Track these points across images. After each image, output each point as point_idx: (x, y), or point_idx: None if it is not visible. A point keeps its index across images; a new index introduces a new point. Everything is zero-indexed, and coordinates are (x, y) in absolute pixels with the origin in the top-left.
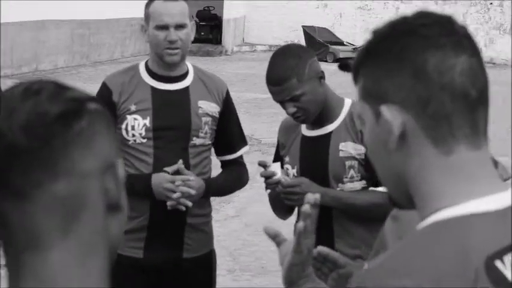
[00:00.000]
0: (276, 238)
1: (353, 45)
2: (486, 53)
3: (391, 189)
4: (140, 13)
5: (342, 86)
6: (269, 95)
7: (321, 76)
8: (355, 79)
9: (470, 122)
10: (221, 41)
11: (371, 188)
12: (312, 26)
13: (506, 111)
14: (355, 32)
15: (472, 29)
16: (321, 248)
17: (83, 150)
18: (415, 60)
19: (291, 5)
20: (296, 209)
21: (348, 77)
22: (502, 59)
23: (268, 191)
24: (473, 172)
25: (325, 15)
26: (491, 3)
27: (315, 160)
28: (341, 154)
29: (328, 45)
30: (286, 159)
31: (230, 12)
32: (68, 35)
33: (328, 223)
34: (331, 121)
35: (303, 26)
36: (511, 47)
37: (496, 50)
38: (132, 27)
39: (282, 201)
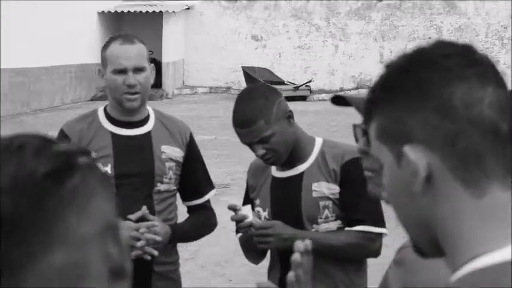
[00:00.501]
0: None
1: (294, 84)
2: None
3: (415, 235)
4: (78, 59)
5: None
6: (215, 137)
7: (290, 115)
8: (368, 119)
9: (503, 160)
10: (161, 84)
11: (347, 228)
12: (252, 67)
13: None
14: (295, 71)
15: None
16: None
17: (78, 212)
18: (439, 94)
19: (230, 47)
20: (269, 253)
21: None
22: None
23: (239, 234)
24: (508, 215)
25: (265, 55)
26: (429, 38)
27: (287, 202)
28: (314, 194)
29: (269, 85)
30: (257, 201)
31: (169, 55)
32: (6, 82)
33: None
34: (302, 161)
35: (242, 67)
36: None
37: None
38: (71, 73)
39: (254, 245)
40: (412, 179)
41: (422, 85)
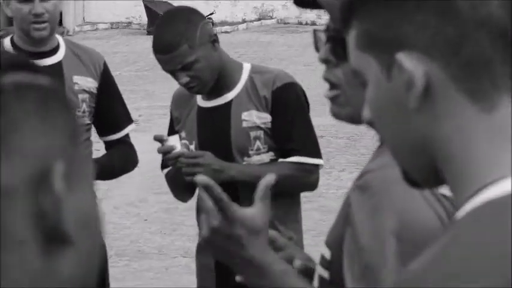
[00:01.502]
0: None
1: None
2: None
3: (408, 162)
4: None
5: None
6: (119, 73)
7: (215, 39)
8: (347, 24)
9: None
10: (61, 22)
11: (280, 160)
12: (152, 0)
13: None
14: (196, 4)
15: None
16: None
17: None
18: None
19: None
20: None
21: None
22: None
23: (165, 171)
24: None
25: None
26: None
27: (215, 133)
28: (244, 124)
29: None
30: (182, 134)
31: None
32: None
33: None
34: (230, 89)
35: (143, 1)
36: None
37: None
38: None
39: (183, 180)
40: (406, 93)
41: None
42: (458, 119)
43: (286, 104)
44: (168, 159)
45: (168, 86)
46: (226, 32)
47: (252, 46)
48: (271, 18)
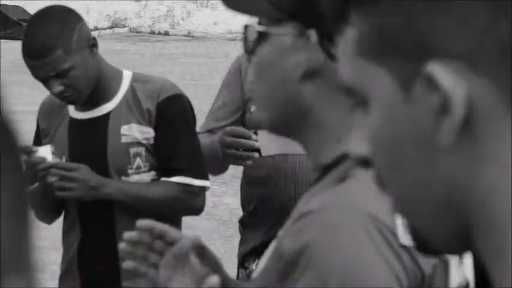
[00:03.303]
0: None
1: None
2: (184, 26)
3: (427, 223)
4: None
5: None
6: None
7: (93, 44)
8: (340, 19)
9: None
10: None
11: (163, 179)
12: (5, 5)
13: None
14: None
15: (168, 3)
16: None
17: None
18: None
19: None
20: (64, 214)
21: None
22: (200, 31)
23: (33, 186)
24: None
25: None
26: None
27: (89, 148)
28: (124, 140)
29: (22, 23)
30: (51, 148)
31: None
32: None
33: (109, 224)
34: (108, 99)
35: None
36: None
37: (194, 23)
38: None
39: (51, 197)
40: (434, 122)
41: None
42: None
43: (172, 118)
44: (39, 170)
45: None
46: None
47: (103, 54)
48: (124, 26)
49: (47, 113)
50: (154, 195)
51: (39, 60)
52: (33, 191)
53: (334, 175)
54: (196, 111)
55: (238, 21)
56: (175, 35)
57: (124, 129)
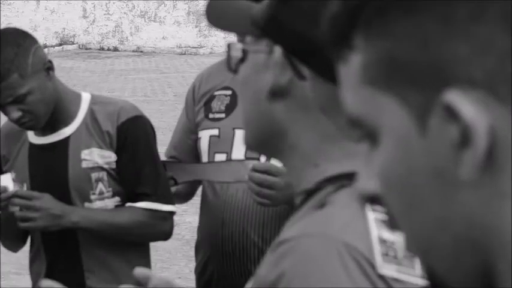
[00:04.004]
0: None
1: None
2: (133, 42)
3: (447, 262)
4: None
5: None
6: None
7: (49, 67)
8: (345, 44)
9: None
10: None
11: (129, 204)
12: None
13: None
14: None
15: (116, 18)
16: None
17: None
18: None
19: None
20: (30, 241)
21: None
22: (150, 46)
23: None
24: None
25: None
26: None
27: (50, 174)
28: (84, 165)
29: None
30: (12, 175)
31: None
32: None
33: (74, 254)
34: (66, 123)
35: None
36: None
37: (143, 38)
38: None
39: (14, 226)
40: (453, 157)
41: None
42: None
43: (134, 141)
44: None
45: None
46: None
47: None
48: (73, 43)
49: (6, 139)
50: (121, 221)
51: None
52: None
53: (315, 201)
54: None
55: (186, 35)
56: (125, 50)
57: (84, 153)
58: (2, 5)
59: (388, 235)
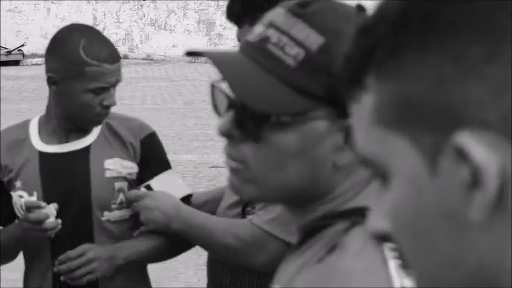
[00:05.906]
0: None
1: (6, 48)
2: (143, 50)
3: None
4: None
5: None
6: None
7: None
8: (356, 84)
9: None
10: None
11: None
12: None
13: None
14: (5, 35)
15: (126, 26)
16: None
17: None
18: None
19: None
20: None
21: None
22: (160, 54)
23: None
24: None
25: None
26: (144, 0)
27: (68, 183)
28: (108, 174)
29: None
30: (17, 183)
31: None
32: None
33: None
34: (83, 133)
35: None
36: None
37: (153, 46)
38: None
39: (14, 247)
40: (464, 198)
41: (487, 16)
42: None
43: (156, 155)
44: (44, 230)
45: None
46: (37, 64)
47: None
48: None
49: (7, 149)
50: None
51: (117, 64)
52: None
53: (323, 241)
54: (160, 136)
55: (196, 43)
56: (135, 58)
57: (108, 163)
58: (12, 13)
59: (409, 283)
